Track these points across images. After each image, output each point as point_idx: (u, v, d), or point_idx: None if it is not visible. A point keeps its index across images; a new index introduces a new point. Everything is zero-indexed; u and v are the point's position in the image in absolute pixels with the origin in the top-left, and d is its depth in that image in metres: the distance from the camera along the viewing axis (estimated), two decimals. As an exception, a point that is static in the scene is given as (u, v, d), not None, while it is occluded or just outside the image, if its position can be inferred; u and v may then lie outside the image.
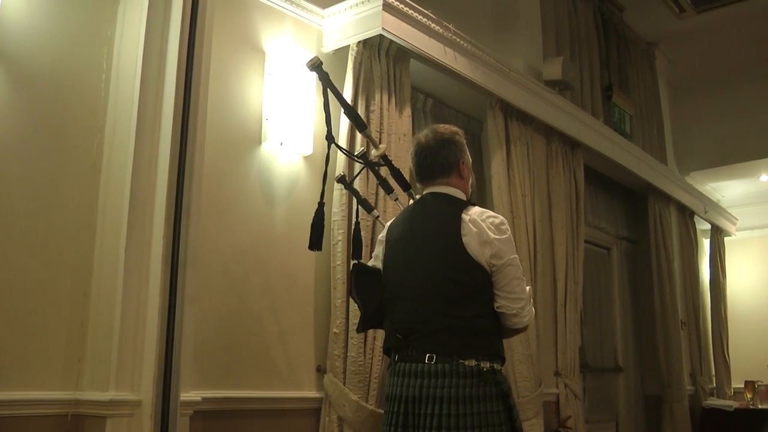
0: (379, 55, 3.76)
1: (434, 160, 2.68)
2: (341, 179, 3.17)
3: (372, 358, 3.45)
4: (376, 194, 3.59)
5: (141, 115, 2.82)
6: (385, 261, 2.73)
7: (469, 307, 2.50)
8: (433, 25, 3.95)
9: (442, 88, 4.40)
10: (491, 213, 2.60)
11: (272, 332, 3.33)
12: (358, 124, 2.88)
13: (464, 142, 2.77)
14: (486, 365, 2.46)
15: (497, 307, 2.53)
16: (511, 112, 4.70)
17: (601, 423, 6.04)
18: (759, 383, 6.93)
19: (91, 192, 2.83)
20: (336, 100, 2.84)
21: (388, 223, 2.85)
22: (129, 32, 2.94)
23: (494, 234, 2.51)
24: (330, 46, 3.78)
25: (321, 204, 2.80)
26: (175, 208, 2.76)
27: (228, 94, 3.31)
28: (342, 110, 3.04)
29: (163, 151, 2.81)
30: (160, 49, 2.89)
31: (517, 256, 2.57)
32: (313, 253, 3.52)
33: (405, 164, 3.76)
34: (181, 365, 2.68)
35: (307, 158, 3.58)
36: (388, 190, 3.08)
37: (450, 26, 4.07)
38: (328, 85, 2.77)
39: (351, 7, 3.70)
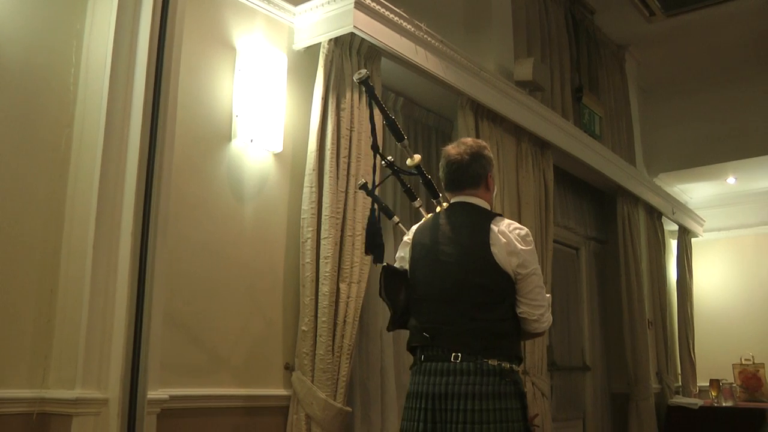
0: (350, 53, 3.76)
1: (465, 172, 2.83)
2: (364, 186, 3.20)
3: (340, 356, 3.45)
4: (346, 193, 3.60)
5: (110, 110, 2.81)
6: (412, 263, 2.86)
7: (493, 312, 2.67)
8: (404, 23, 3.95)
9: (413, 87, 4.41)
10: (517, 224, 2.78)
11: (240, 330, 3.32)
12: (396, 134, 2.93)
13: (492, 156, 2.93)
14: (506, 365, 2.63)
15: (520, 313, 2.71)
16: (481, 112, 4.72)
17: (568, 421, 6.09)
18: (723, 381, 7.04)
19: (59, 187, 2.81)
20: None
21: (414, 227, 2.97)
22: (99, 26, 2.92)
23: (521, 245, 2.70)
24: (301, 43, 3.77)
25: (372, 210, 2.92)
26: (143, 204, 2.74)
27: (198, 90, 3.30)
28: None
29: (132, 146, 2.80)
30: (130, 44, 2.88)
31: (539, 266, 2.76)
32: (282, 251, 3.53)
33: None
34: (149, 363, 2.67)
35: (277, 156, 3.58)
36: (412, 197, 3.17)
37: (422, 25, 4.08)
38: (373, 97, 2.86)
39: (323, 5, 3.70)
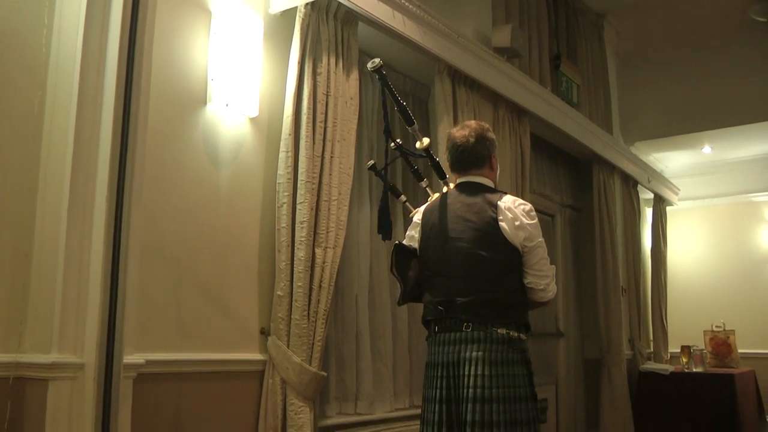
0: (327, 18, 3.73)
1: (471, 154, 3.02)
2: (373, 167, 3.41)
3: (315, 321, 3.47)
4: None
5: (83, 73, 2.77)
6: (423, 241, 3.04)
7: (503, 283, 2.87)
8: (382, -12, 3.93)
9: (390, 52, 4.38)
10: (521, 200, 2.98)
11: (216, 295, 3.33)
12: (407, 119, 3.06)
13: (494, 137, 3.11)
14: (514, 334, 2.85)
15: (527, 283, 2.91)
16: (458, 78, 4.71)
17: (541, 386, 6.08)
18: (694, 348, 7.14)
19: (32, 151, 2.78)
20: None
21: (422, 208, 3.15)
22: (71, -13, 2.87)
23: (526, 219, 2.89)
24: (277, 7, 3.73)
25: (384, 191, 3.10)
26: (118, 168, 2.72)
27: (172, 54, 3.25)
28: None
29: (106, 110, 2.77)
30: (103, 5, 2.83)
31: (543, 239, 2.94)
32: (258, 216, 3.53)
33: (352, 127, 3.77)
34: (124, 328, 2.66)
35: (253, 120, 3.56)
36: (419, 178, 3.36)
37: (399, -10, 4.05)
38: (386, 85, 2.99)
39: (299, -32, 3.66)
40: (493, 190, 3.02)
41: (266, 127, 3.63)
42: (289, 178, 3.50)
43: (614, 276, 6.76)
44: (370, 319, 4.24)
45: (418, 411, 4.35)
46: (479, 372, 2.75)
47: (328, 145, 3.64)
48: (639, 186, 7.70)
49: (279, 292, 3.43)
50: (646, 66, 8.17)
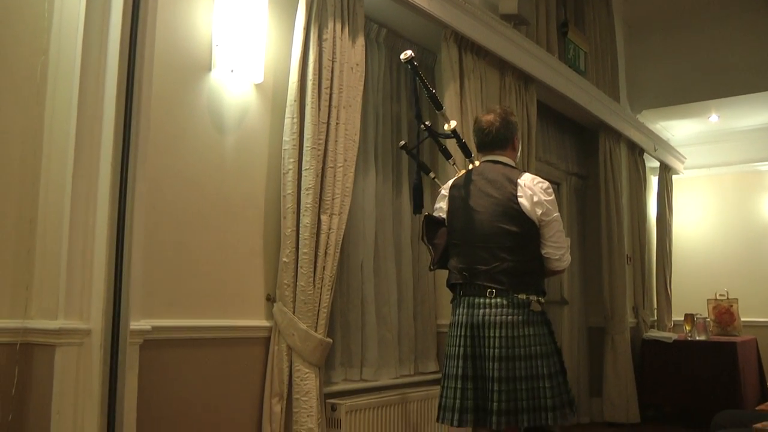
0: (333, -17, 3.69)
1: (495, 136, 3.36)
2: (404, 146, 3.78)
3: (321, 287, 3.48)
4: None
5: (87, 38, 2.74)
6: (450, 213, 3.36)
7: (522, 253, 3.17)
8: (388, -47, 3.88)
9: (397, 18, 4.35)
10: (539, 179, 3.27)
11: (222, 261, 3.33)
12: (436, 105, 3.37)
13: (517, 121, 3.48)
14: (533, 298, 3.15)
15: (544, 253, 3.22)
16: (465, 45, 4.67)
17: (545, 353, 6.18)
18: (698, 316, 7.15)
19: (36, 117, 2.76)
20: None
21: (450, 182, 3.45)
22: (73, -50, 2.83)
23: (543, 196, 3.19)
24: (283, -28, 3.69)
25: (418, 168, 3.47)
26: (122, 134, 2.70)
27: (177, 19, 3.22)
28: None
29: (110, 76, 2.74)
30: (106, -30, 2.80)
31: (559, 213, 3.24)
32: (263, 182, 3.53)
33: (358, 94, 3.75)
34: (131, 294, 2.66)
35: (258, 86, 3.53)
36: (447, 155, 3.64)
37: (406, -45, 4.01)
38: (417, 75, 3.27)
39: (305, -68, 3.61)
40: (514, 169, 3.31)
41: (271, 93, 3.60)
42: (294, 145, 3.48)
43: (619, 244, 6.75)
44: (375, 286, 4.25)
45: (423, 378, 4.44)
46: (502, 334, 3.06)
47: (334, 111, 3.62)
48: (645, 154, 7.67)
49: (284, 259, 3.44)
50: (653, 33, 8.08)
